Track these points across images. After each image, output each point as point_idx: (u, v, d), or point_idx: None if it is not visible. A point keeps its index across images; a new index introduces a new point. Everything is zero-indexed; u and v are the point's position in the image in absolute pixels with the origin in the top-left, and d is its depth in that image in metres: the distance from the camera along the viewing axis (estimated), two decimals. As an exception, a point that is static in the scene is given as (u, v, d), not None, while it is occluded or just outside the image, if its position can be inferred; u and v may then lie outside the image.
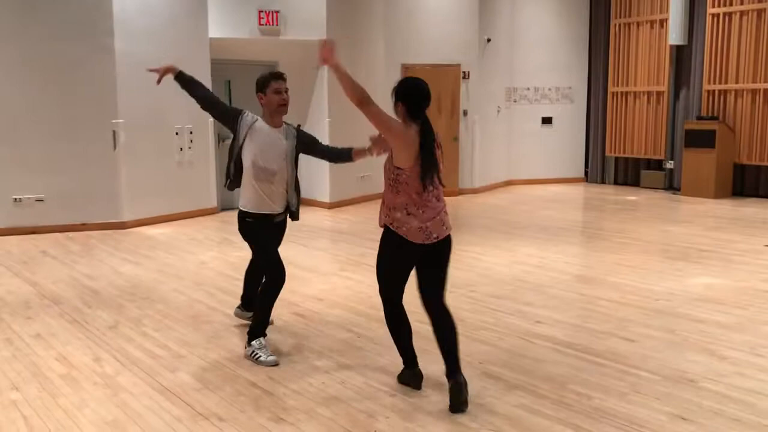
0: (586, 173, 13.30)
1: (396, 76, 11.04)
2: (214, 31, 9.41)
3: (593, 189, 12.44)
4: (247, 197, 4.44)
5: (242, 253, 7.30)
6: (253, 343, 4.32)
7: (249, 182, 4.41)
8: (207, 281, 6.19)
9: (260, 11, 9.51)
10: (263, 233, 4.47)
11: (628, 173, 12.71)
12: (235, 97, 10.15)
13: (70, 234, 8.29)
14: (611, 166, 12.92)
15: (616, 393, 3.75)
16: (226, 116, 4.48)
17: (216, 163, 9.68)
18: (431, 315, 3.68)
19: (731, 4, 10.84)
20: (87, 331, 4.88)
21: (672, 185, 11.88)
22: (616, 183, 12.85)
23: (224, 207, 10.00)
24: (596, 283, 6.05)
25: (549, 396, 3.72)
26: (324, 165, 10.14)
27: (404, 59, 11.03)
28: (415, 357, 3.87)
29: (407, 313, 3.83)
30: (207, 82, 9.40)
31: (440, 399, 3.68)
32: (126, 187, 8.64)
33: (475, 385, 3.85)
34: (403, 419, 3.46)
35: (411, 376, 3.86)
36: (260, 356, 4.25)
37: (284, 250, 7.40)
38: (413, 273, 3.73)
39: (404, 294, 3.78)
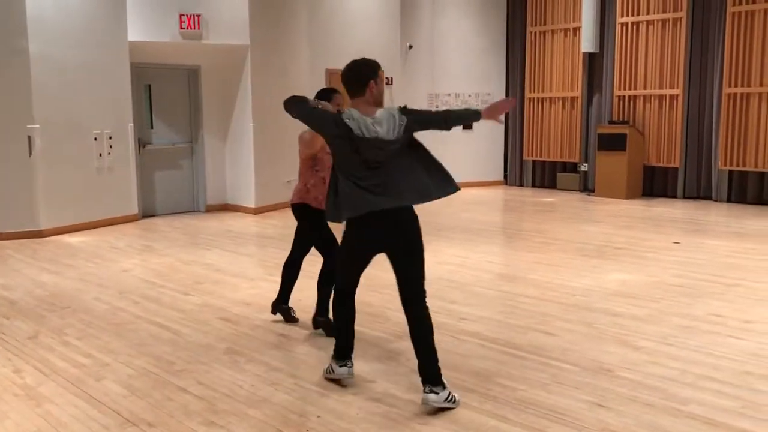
0: (505, 176, 13.67)
1: (320, 81, 11.11)
2: (134, 34, 9.22)
3: (512, 191, 12.81)
4: None
5: (165, 260, 7.20)
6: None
7: None
8: (130, 289, 6.08)
9: (181, 15, 9.38)
10: None
11: (545, 176, 13.14)
12: (155, 102, 9.99)
13: (-18, 244, 7.97)
14: (529, 170, 13.32)
15: (538, 384, 3.91)
16: None
17: (136, 169, 9.48)
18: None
19: (638, 14, 11.39)
20: (5, 342, 4.72)
21: (586, 187, 12.36)
22: (533, 185, 13.26)
23: (145, 214, 9.81)
24: (517, 280, 6.26)
25: (476, 389, 3.85)
26: (249, 170, 10.11)
27: (328, 64, 11.09)
28: None
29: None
30: (126, 86, 9.23)
31: (371, 396, 3.76)
32: (42, 195, 8.36)
33: (404, 382, 3.95)
34: (335, 418, 3.52)
35: None
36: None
37: (211, 256, 7.38)
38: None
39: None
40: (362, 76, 3.71)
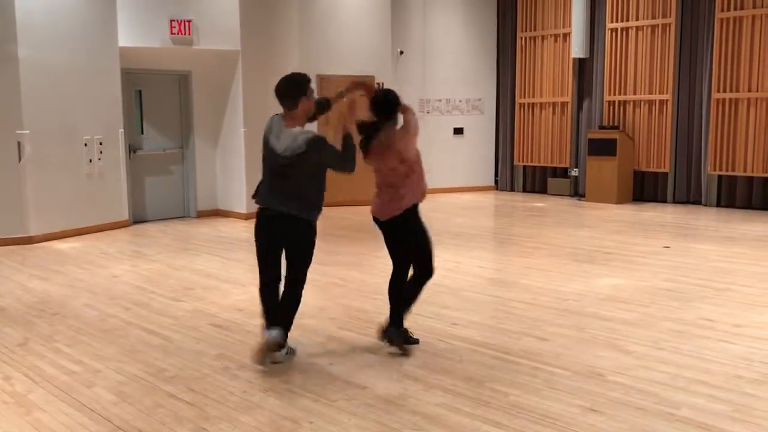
0: (496, 181, 13.70)
1: (312, 87, 11.09)
2: (125, 39, 9.20)
3: (503, 196, 12.83)
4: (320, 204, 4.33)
5: (156, 266, 7.17)
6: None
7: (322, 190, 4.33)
8: (120, 295, 6.05)
9: (172, 20, 9.37)
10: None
11: (536, 181, 13.18)
12: (146, 107, 9.97)
13: (-29, 250, 7.91)
14: (520, 175, 13.35)
15: (530, 389, 3.91)
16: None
17: (126, 174, 9.45)
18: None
19: (628, 20, 11.46)
20: (-6, 349, 4.69)
21: (577, 192, 12.40)
22: (524, 190, 13.29)
23: (136, 219, 9.77)
24: (509, 285, 6.26)
25: (467, 394, 3.84)
26: (241, 175, 10.10)
27: (319, 70, 11.10)
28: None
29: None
30: (117, 91, 9.21)
31: (363, 402, 3.75)
32: (32, 200, 8.31)
33: (396, 387, 3.95)
34: (327, 423, 3.51)
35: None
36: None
37: (202, 262, 7.36)
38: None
39: None
40: (293, 92, 4.16)
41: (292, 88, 4.17)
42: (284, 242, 4.26)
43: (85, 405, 3.77)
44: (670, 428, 3.41)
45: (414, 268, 4.55)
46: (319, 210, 4.28)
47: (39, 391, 3.97)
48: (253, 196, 4.36)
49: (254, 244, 4.33)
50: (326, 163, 4.19)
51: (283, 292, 4.34)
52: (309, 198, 4.20)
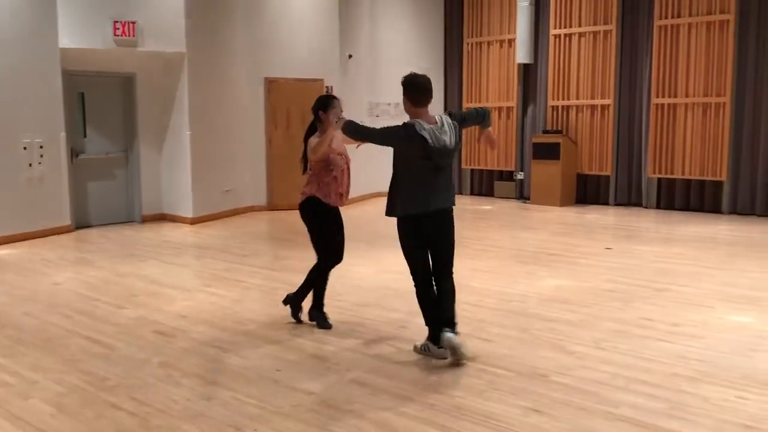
0: (445, 185, 13.77)
1: (260, 90, 11.04)
2: (67, 41, 8.98)
3: (452, 200, 12.91)
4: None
5: (99, 273, 7.01)
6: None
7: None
8: (62, 303, 5.90)
9: (115, 21, 9.18)
10: None
11: (483, 184, 13.33)
12: (89, 110, 9.75)
13: None
14: (467, 178, 13.49)
15: (475, 391, 3.96)
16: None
17: (68, 179, 9.22)
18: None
19: (571, 26, 11.70)
20: (-74, 361, 4.52)
21: (522, 195, 12.60)
22: (472, 194, 13.44)
23: (79, 225, 9.54)
24: (456, 287, 6.30)
25: (414, 397, 3.87)
26: (187, 179, 9.94)
27: (267, 73, 11.03)
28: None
29: None
30: (58, 94, 8.98)
31: (309, 407, 3.75)
32: (-33, 206, 8.05)
33: (342, 393, 3.95)
34: (272, 430, 3.49)
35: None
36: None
37: (147, 268, 7.22)
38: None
39: None
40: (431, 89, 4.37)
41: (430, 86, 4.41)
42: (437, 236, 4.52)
43: (21, 418, 3.66)
44: (611, 427, 3.50)
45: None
46: None
47: (-27, 404, 3.85)
48: (407, 208, 4.40)
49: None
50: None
51: (443, 287, 4.59)
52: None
